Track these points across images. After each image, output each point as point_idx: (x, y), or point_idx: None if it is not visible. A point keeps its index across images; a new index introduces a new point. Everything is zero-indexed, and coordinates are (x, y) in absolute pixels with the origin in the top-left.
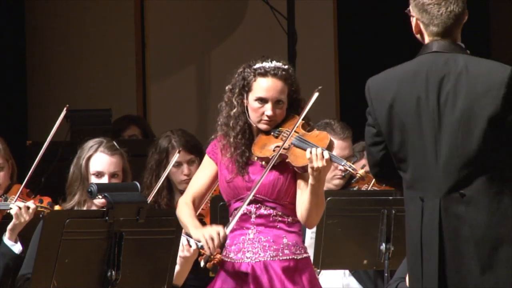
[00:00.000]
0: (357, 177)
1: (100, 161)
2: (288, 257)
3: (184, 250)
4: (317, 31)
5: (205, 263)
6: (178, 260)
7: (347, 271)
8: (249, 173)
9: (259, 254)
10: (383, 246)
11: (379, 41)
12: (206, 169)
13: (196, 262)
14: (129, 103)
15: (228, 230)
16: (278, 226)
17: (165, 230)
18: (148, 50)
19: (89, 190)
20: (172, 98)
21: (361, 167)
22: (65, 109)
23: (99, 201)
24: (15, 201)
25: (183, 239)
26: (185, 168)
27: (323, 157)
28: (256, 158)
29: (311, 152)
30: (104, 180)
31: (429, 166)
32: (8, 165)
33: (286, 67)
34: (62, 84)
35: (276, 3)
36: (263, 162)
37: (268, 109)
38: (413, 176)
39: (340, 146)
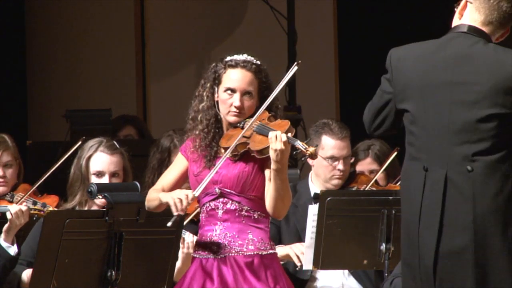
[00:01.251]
0: (307, 154)
1: (100, 161)
2: (252, 253)
3: (188, 247)
4: (317, 31)
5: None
6: (180, 256)
7: (347, 271)
8: (215, 166)
9: (225, 249)
10: (383, 246)
11: (379, 41)
12: (177, 164)
13: None
14: (129, 103)
15: (196, 193)
16: (243, 221)
17: (165, 230)
18: (148, 50)
19: (89, 190)
20: (172, 98)
21: (314, 146)
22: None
23: (101, 200)
24: (19, 202)
25: (187, 237)
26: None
27: (281, 139)
28: (223, 150)
29: (271, 135)
30: (105, 179)
31: (440, 137)
32: (16, 164)
33: (258, 62)
34: (62, 84)
35: (276, 3)
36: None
37: (236, 99)
38: (420, 145)
39: (338, 145)
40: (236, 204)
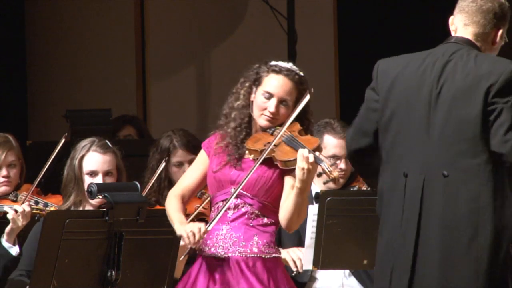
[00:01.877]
0: (330, 178)
1: (92, 160)
2: (255, 255)
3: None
4: (317, 31)
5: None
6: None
7: (347, 271)
8: (239, 167)
9: (228, 249)
10: None
11: (379, 41)
12: (199, 164)
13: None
14: (129, 103)
15: (209, 227)
16: (251, 224)
17: (165, 230)
18: (148, 50)
19: (89, 190)
20: (172, 98)
21: (338, 171)
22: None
23: (96, 200)
24: (25, 201)
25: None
26: (186, 168)
27: (309, 159)
28: (247, 152)
29: (302, 154)
30: (98, 179)
31: (420, 143)
32: (20, 163)
33: (301, 73)
34: (62, 84)
35: (276, 3)
36: (252, 156)
37: (272, 105)
38: (400, 150)
39: (340, 145)
40: (248, 207)
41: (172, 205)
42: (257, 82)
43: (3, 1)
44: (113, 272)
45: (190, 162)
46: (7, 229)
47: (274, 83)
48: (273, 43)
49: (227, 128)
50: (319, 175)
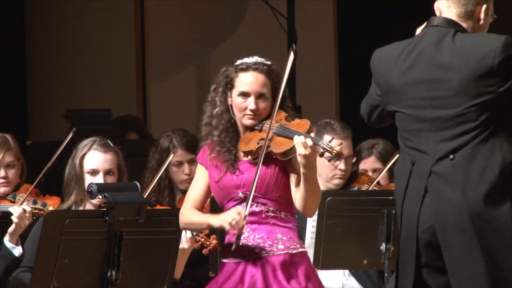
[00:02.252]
0: (334, 153)
1: (94, 159)
2: (282, 252)
3: (183, 242)
4: (317, 31)
5: (201, 250)
6: None
7: (347, 271)
8: (238, 171)
9: (255, 252)
10: (383, 246)
11: (379, 41)
12: (201, 177)
13: (195, 259)
14: (129, 103)
15: (247, 212)
16: (271, 222)
17: (165, 230)
18: (148, 50)
19: (89, 190)
20: (172, 98)
21: (338, 144)
22: (72, 132)
23: (96, 200)
24: (23, 202)
25: (184, 232)
26: (186, 167)
27: (307, 144)
28: (242, 154)
29: (297, 142)
30: (99, 177)
31: (425, 134)
32: (19, 163)
33: (268, 62)
34: (62, 84)
35: (276, 3)
36: (249, 157)
37: (251, 103)
38: (409, 142)
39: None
40: (262, 206)
41: (192, 214)
42: (229, 85)
43: (3, 1)
44: (113, 272)
45: (190, 162)
46: (11, 229)
47: (246, 82)
48: (273, 43)
49: (212, 137)
50: (322, 154)
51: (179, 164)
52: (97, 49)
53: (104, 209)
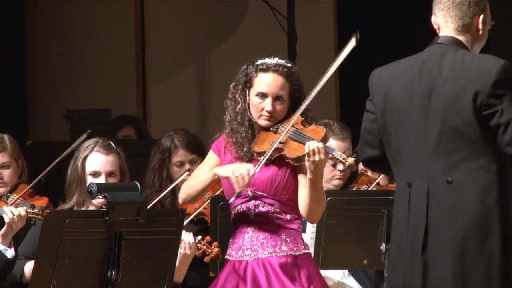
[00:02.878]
0: (346, 165)
1: (96, 161)
2: (285, 253)
3: (186, 248)
4: (317, 31)
5: (203, 257)
6: (178, 256)
7: (346, 271)
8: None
9: (257, 251)
10: (383, 246)
11: (379, 41)
12: (210, 163)
13: (196, 261)
14: (129, 103)
15: (257, 170)
16: (276, 223)
17: (165, 230)
18: (148, 50)
19: (89, 190)
20: (172, 98)
21: (352, 156)
22: (85, 134)
23: (98, 200)
24: (13, 203)
25: (187, 237)
26: (187, 168)
27: (319, 151)
28: (255, 154)
29: (309, 147)
30: (101, 179)
31: (420, 151)
32: (17, 164)
33: (289, 64)
34: (62, 84)
35: (276, 3)
36: (261, 157)
37: (268, 104)
38: (403, 161)
39: (339, 146)
40: (269, 206)
41: (194, 178)
42: (248, 84)
43: (3, 1)
44: (113, 272)
45: (191, 162)
46: (2, 231)
47: (264, 82)
48: (273, 43)
49: (238, 134)
50: (334, 165)
51: (181, 164)
52: (97, 49)
53: (104, 209)
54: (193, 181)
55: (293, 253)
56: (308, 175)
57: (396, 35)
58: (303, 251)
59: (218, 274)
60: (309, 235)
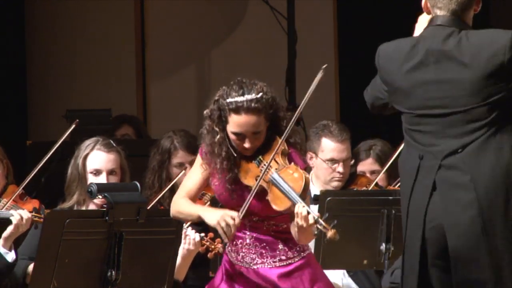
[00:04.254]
0: (328, 236)
1: (97, 159)
2: (285, 263)
3: (190, 244)
4: (317, 31)
5: (206, 253)
6: (181, 252)
7: (345, 272)
8: (239, 196)
9: (256, 260)
10: (383, 246)
11: (379, 41)
12: (199, 170)
13: (196, 261)
14: (129, 103)
15: (241, 215)
16: (272, 233)
17: (165, 230)
18: (148, 50)
19: (89, 190)
20: (172, 98)
21: (332, 228)
22: (74, 124)
23: (99, 199)
24: (7, 205)
25: (191, 233)
26: (187, 168)
27: (308, 220)
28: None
29: (297, 211)
30: (102, 177)
31: (434, 132)
32: (3, 165)
33: (258, 96)
34: (62, 84)
35: (276, 3)
36: (245, 201)
37: (246, 142)
38: (417, 138)
39: (338, 148)
40: (264, 221)
41: (185, 203)
42: (223, 118)
43: (3, 1)
44: (113, 272)
45: (191, 163)
46: (5, 233)
47: (238, 124)
48: (273, 43)
49: (215, 165)
50: (315, 235)
51: (180, 165)
52: (97, 49)
53: (104, 209)
54: (182, 208)
55: (292, 261)
56: (297, 229)
57: (396, 35)
58: (302, 254)
59: (215, 274)
60: None
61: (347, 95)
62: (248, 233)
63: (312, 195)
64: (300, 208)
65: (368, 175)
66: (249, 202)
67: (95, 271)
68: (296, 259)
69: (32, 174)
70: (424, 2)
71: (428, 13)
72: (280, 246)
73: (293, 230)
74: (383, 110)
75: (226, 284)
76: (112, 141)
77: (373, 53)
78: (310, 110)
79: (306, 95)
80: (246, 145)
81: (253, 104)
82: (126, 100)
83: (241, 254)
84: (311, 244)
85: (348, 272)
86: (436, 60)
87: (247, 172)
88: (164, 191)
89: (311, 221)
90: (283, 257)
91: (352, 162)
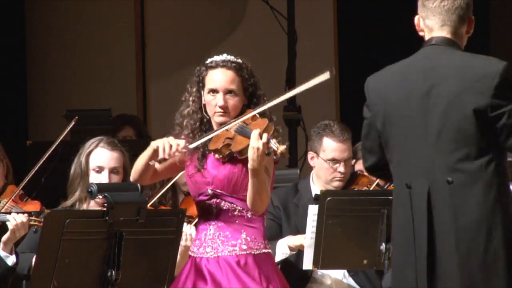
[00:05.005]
0: (278, 154)
1: (100, 156)
2: (245, 252)
3: (187, 240)
4: (317, 31)
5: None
6: (180, 249)
7: (346, 271)
8: (206, 168)
9: (218, 249)
10: (383, 246)
11: (379, 41)
12: None
13: None
14: (129, 103)
15: (192, 146)
16: (237, 221)
17: (165, 230)
18: (148, 50)
19: (89, 190)
20: (172, 98)
21: (285, 145)
22: (73, 121)
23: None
24: (7, 205)
25: (188, 229)
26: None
27: (260, 137)
28: (212, 153)
29: (253, 135)
30: (104, 175)
31: (419, 150)
32: (3, 164)
33: (238, 60)
34: (62, 84)
35: (276, 3)
36: (217, 155)
37: (219, 99)
38: (402, 162)
39: (339, 148)
40: (229, 204)
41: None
42: (201, 84)
43: (3, 1)
44: (113, 272)
45: None
46: (4, 237)
47: (214, 78)
48: (273, 43)
49: (182, 137)
50: (268, 153)
51: None
52: (97, 49)
53: (104, 208)
54: (136, 162)
55: (253, 252)
56: (249, 164)
57: (396, 35)
58: (263, 250)
59: (181, 270)
60: (309, 235)
61: (347, 95)
62: (213, 223)
63: (313, 195)
64: (256, 131)
65: (365, 173)
66: (207, 137)
67: (95, 271)
68: (257, 252)
69: (31, 174)
70: (417, 21)
71: (421, 31)
72: (243, 235)
73: (247, 192)
74: (379, 170)
75: (192, 275)
76: (116, 141)
77: (373, 53)
78: (310, 110)
79: (303, 85)
80: (220, 102)
81: (229, 63)
82: (126, 100)
83: (203, 245)
84: (311, 244)
85: (348, 272)
86: (425, 83)
87: (217, 140)
88: (164, 190)
89: (264, 139)
90: (244, 247)
91: (353, 162)
